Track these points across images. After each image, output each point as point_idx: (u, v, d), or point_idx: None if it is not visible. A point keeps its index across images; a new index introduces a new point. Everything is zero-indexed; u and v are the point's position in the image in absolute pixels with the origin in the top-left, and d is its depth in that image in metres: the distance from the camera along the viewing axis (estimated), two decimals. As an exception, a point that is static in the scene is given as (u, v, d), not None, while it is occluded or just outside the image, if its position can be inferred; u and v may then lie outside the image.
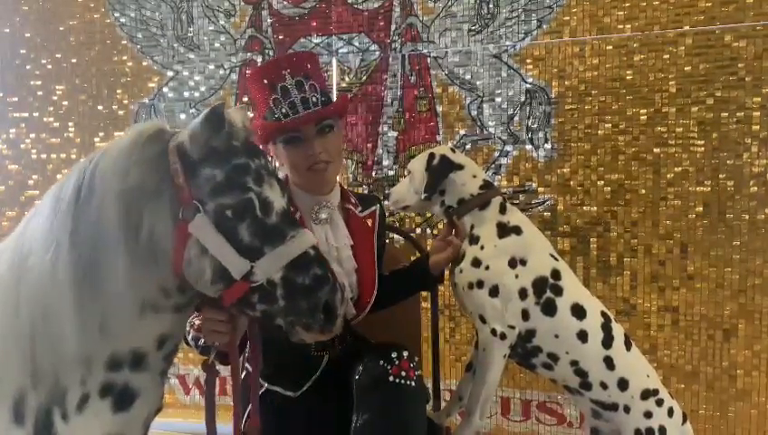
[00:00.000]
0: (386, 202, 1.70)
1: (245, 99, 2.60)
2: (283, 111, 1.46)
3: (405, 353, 1.40)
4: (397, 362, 1.38)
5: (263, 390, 1.58)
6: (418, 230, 2.48)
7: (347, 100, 1.55)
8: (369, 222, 1.68)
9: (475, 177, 1.56)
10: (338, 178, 2.48)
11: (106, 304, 1.06)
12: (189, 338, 1.40)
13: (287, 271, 1.06)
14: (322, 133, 1.50)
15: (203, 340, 1.30)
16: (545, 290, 1.46)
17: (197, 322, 1.31)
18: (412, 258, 1.95)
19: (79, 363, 1.08)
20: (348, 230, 1.62)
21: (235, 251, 1.04)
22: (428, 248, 1.80)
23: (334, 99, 1.58)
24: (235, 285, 1.06)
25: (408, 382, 1.37)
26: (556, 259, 1.52)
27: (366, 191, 2.52)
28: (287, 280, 1.06)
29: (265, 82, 1.49)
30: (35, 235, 1.10)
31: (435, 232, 2.44)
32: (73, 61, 2.74)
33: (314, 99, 1.48)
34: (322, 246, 1.54)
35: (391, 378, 1.36)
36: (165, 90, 2.67)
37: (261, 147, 1.61)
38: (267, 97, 1.48)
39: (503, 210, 1.52)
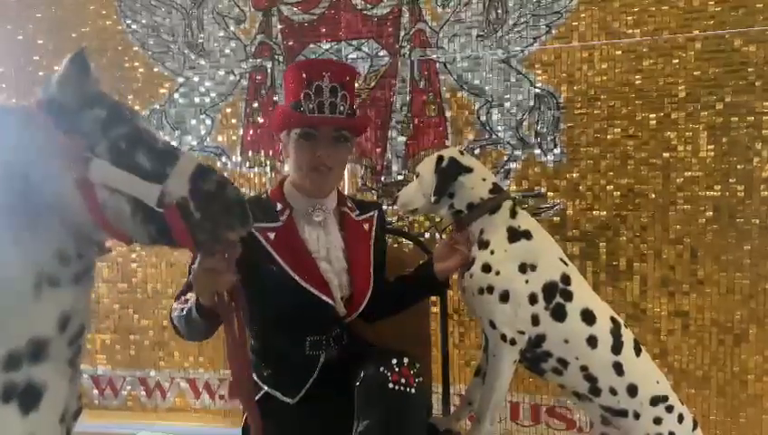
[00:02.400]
0: (394, 206, 1.71)
1: (255, 105, 2.62)
2: (310, 106, 1.52)
3: (405, 360, 1.40)
4: (397, 369, 1.38)
5: (262, 393, 1.60)
6: (427, 235, 2.48)
7: (368, 122, 1.63)
8: (366, 226, 1.71)
9: (484, 180, 1.56)
10: (346, 182, 2.53)
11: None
12: (176, 316, 1.43)
13: (192, 184, 1.07)
14: (336, 141, 1.56)
15: (193, 301, 1.34)
16: (555, 295, 1.46)
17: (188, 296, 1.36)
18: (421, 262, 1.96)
19: None
20: (342, 232, 1.65)
21: (142, 179, 1.04)
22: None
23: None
24: (168, 214, 1.04)
25: (409, 389, 1.37)
26: (566, 264, 1.52)
27: (375, 196, 2.53)
28: (195, 191, 1.06)
29: (304, 75, 1.54)
30: None
31: (443, 236, 2.45)
32: (85, 67, 2.76)
33: (342, 108, 1.54)
34: (313, 245, 1.60)
35: (391, 385, 1.36)
36: (176, 96, 2.69)
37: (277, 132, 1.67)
38: (300, 89, 1.53)
39: (513, 214, 1.53)
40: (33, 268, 1.01)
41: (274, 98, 2.61)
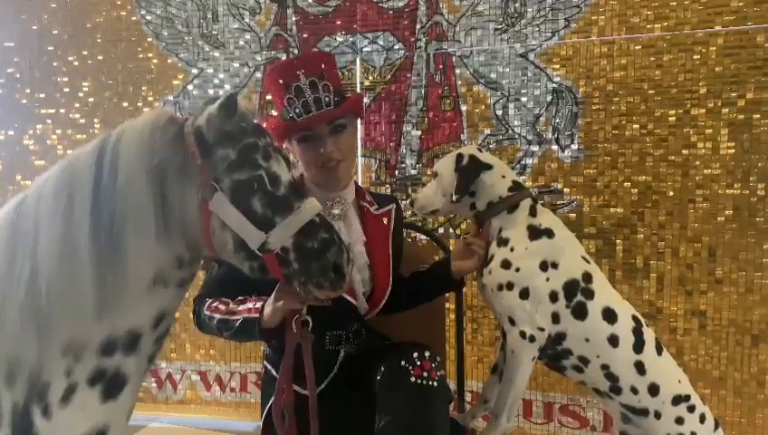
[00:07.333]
0: (409, 202, 1.69)
1: (269, 97, 2.60)
2: (297, 110, 1.50)
3: (426, 353, 1.39)
4: (418, 363, 1.37)
5: None
6: (441, 230, 2.47)
7: (360, 100, 1.62)
8: (385, 220, 1.69)
9: (504, 177, 1.54)
10: (360, 177, 2.51)
11: (122, 280, 1.04)
12: (216, 324, 1.43)
13: (297, 237, 1.13)
14: (335, 132, 1.55)
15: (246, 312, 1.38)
16: (576, 293, 1.44)
17: (235, 306, 1.41)
18: (436, 258, 1.94)
19: (66, 353, 1.03)
20: (362, 227, 1.63)
21: (251, 223, 1.10)
22: (452, 248, 1.79)
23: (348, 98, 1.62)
24: (266, 259, 1.13)
25: (431, 382, 1.36)
26: (588, 262, 1.50)
27: (389, 190, 2.51)
28: (298, 245, 1.13)
29: (281, 81, 1.53)
30: (41, 218, 1.05)
31: (458, 232, 2.43)
32: (100, 58, 2.75)
33: (327, 99, 1.51)
34: None
35: (413, 378, 1.35)
36: (190, 87, 2.68)
37: (278, 144, 1.65)
38: (282, 96, 1.52)
39: (533, 213, 1.50)
40: (156, 267, 1.09)
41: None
